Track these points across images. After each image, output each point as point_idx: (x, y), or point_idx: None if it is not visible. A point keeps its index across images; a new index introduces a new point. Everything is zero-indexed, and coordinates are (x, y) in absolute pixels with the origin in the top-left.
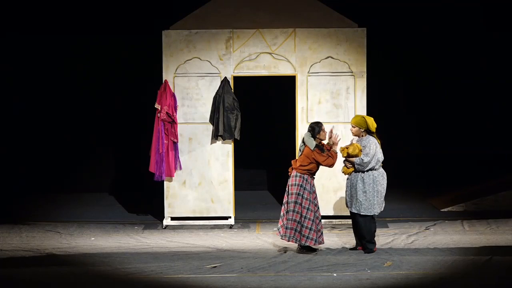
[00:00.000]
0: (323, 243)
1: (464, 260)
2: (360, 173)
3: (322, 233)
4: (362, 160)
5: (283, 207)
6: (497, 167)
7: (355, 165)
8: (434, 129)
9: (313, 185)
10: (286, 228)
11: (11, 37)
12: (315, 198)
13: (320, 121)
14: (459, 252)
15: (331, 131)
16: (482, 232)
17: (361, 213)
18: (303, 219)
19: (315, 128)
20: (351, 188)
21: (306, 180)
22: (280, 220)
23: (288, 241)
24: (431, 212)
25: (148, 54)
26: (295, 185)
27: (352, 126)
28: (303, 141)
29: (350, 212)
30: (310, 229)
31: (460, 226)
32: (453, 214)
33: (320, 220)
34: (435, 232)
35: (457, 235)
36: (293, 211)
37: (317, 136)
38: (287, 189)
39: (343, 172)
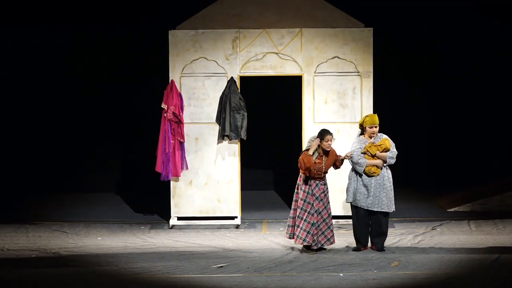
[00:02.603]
0: (327, 243)
1: (471, 260)
2: (385, 171)
3: (322, 234)
4: (394, 152)
5: None
6: (502, 167)
7: (389, 159)
8: (439, 128)
9: (317, 186)
10: (287, 225)
11: (11, 33)
12: (317, 199)
13: (327, 121)
14: (466, 252)
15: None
16: (488, 232)
17: (391, 210)
18: (296, 217)
19: (320, 135)
20: (375, 188)
21: (304, 180)
22: None
23: (289, 238)
24: (438, 212)
25: (154, 54)
26: (297, 185)
27: (375, 127)
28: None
29: (367, 213)
30: (301, 228)
31: (466, 226)
32: (460, 214)
33: (319, 223)
34: (442, 232)
35: (464, 235)
36: (292, 208)
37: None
38: None
39: (373, 173)
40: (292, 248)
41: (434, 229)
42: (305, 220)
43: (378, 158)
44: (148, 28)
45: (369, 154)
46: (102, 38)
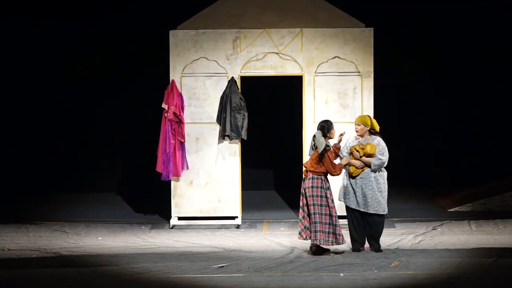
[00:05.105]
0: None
1: (471, 261)
2: (373, 173)
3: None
4: (381, 160)
5: (301, 210)
6: (503, 167)
7: (373, 166)
8: (440, 128)
9: (329, 184)
10: (316, 231)
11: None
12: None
13: None
14: (466, 253)
15: (340, 137)
16: (489, 232)
17: (380, 213)
18: (334, 218)
19: (325, 127)
20: (362, 189)
21: (323, 181)
22: (300, 223)
23: (324, 245)
24: (438, 212)
25: (155, 53)
26: (314, 187)
27: (357, 124)
28: (313, 139)
29: (360, 212)
30: (339, 226)
31: (467, 226)
32: (460, 214)
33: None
34: (442, 232)
35: (464, 235)
36: (321, 213)
37: (328, 135)
38: (303, 191)
39: (351, 173)
40: (293, 248)
41: (435, 229)
42: (337, 218)
43: (363, 162)
44: (149, 28)
45: (354, 155)
46: (103, 38)
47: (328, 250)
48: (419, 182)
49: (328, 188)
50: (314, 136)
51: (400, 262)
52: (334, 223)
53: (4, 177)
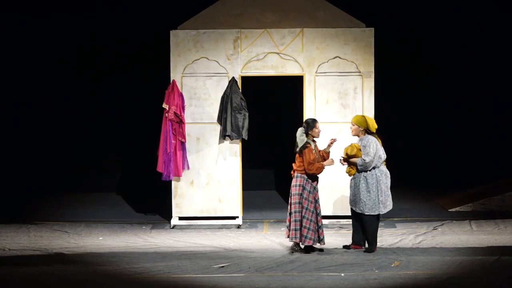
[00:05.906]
0: (324, 243)
1: (472, 260)
2: (363, 172)
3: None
4: (364, 160)
5: (288, 208)
6: (503, 167)
7: (358, 166)
8: (440, 128)
9: (316, 184)
10: (290, 229)
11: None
12: (316, 197)
13: (328, 121)
14: (467, 252)
15: (332, 141)
16: (490, 232)
17: (366, 213)
18: (304, 219)
19: (309, 124)
20: (354, 188)
21: (307, 180)
22: (288, 218)
23: (291, 241)
24: (439, 212)
25: (156, 53)
26: (296, 186)
27: (352, 124)
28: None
29: (354, 211)
30: (309, 229)
31: (467, 226)
32: (461, 214)
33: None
34: (443, 232)
35: (465, 235)
36: (295, 211)
37: (310, 133)
38: (290, 190)
39: (347, 173)
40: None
41: (435, 229)
42: (311, 220)
43: (350, 162)
44: (149, 28)
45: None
46: (103, 38)
47: (314, 250)
48: (419, 182)
49: (312, 189)
50: (297, 133)
51: (401, 262)
52: (303, 223)
53: (4, 177)
